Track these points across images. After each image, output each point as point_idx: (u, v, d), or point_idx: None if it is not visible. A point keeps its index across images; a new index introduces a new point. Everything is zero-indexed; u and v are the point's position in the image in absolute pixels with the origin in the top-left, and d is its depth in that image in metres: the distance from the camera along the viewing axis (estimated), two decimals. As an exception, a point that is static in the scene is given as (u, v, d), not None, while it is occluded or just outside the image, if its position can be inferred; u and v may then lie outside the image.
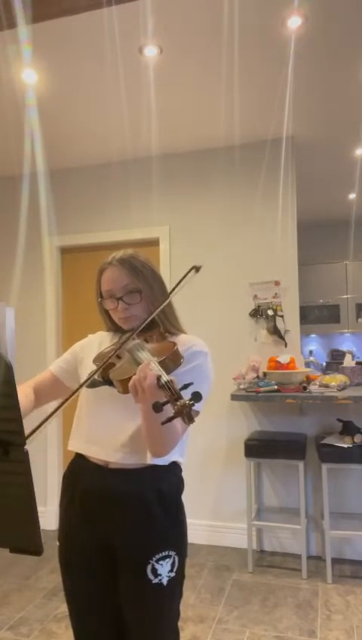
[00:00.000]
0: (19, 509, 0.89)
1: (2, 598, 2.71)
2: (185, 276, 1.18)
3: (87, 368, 1.41)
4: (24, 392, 1.42)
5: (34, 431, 1.06)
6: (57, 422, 3.78)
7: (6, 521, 0.92)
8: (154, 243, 3.62)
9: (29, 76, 2.58)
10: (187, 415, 0.97)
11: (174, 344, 1.19)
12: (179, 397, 0.99)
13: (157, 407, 0.98)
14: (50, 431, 3.77)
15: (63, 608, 2.58)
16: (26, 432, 0.95)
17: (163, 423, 0.99)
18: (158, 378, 1.03)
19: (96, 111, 2.97)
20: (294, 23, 2.21)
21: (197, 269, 1.18)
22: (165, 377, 1.03)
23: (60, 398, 1.51)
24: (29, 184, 3.87)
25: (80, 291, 3.85)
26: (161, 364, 1.10)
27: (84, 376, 1.41)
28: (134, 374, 1.09)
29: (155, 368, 1.06)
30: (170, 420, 0.98)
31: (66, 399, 1.15)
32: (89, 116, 3.03)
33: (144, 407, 1.11)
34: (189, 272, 1.18)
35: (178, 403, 0.97)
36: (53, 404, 1.30)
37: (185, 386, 1.02)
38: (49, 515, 3.72)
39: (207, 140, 3.41)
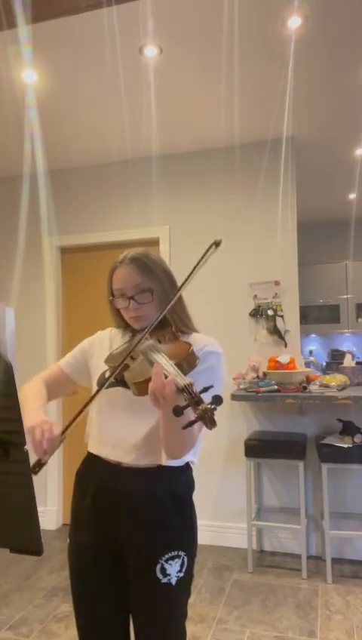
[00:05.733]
0: (19, 509, 0.89)
1: (2, 598, 2.71)
2: (205, 254, 1.11)
3: (98, 367, 1.38)
4: (39, 389, 1.42)
5: (67, 427, 1.12)
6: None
7: (6, 521, 0.92)
8: (154, 243, 3.61)
9: (29, 76, 2.58)
10: (209, 420, 0.94)
11: (190, 345, 1.16)
12: (200, 401, 0.96)
13: (178, 412, 0.95)
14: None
15: (63, 608, 2.58)
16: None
17: (184, 428, 0.96)
18: (177, 383, 1.00)
19: (96, 111, 2.97)
20: (294, 23, 2.21)
21: (217, 244, 1.14)
22: (184, 381, 1.00)
23: (67, 394, 1.51)
24: (29, 184, 3.87)
25: (80, 291, 3.85)
26: (177, 366, 1.07)
27: (94, 374, 1.39)
28: (150, 377, 1.06)
29: (173, 372, 1.03)
30: (191, 424, 0.95)
31: (88, 402, 1.17)
32: (89, 116, 3.03)
33: (164, 412, 1.09)
34: (209, 248, 1.14)
35: (199, 407, 0.95)
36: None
37: (205, 389, 0.99)
38: (49, 515, 3.72)
39: (207, 140, 3.41)
